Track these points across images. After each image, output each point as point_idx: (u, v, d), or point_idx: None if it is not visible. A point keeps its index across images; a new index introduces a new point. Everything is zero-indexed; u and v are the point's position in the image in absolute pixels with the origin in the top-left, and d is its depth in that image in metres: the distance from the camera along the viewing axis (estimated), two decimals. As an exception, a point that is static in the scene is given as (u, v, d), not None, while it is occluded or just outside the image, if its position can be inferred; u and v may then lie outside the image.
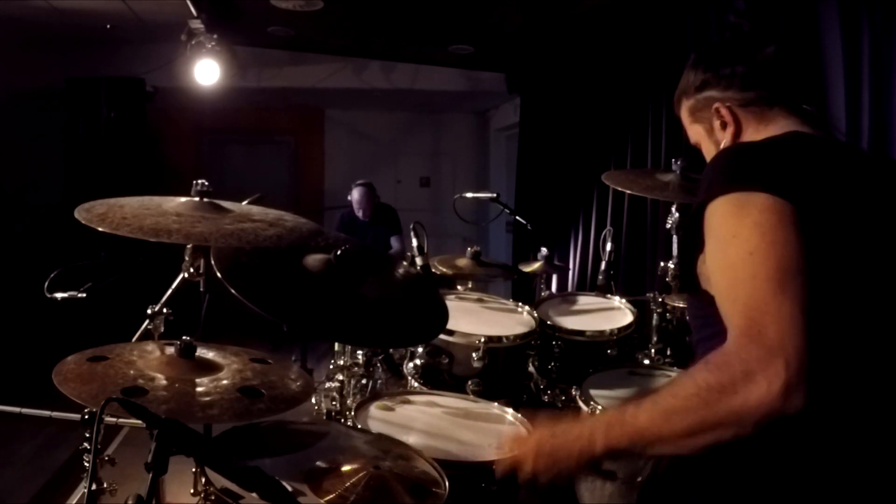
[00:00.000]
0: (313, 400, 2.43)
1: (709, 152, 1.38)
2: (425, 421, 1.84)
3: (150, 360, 1.50)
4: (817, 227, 1.04)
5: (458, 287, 2.97)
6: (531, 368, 2.46)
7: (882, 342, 1.10)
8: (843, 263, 1.08)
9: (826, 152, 1.21)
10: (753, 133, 1.29)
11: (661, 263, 2.55)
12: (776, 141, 1.22)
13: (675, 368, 2.34)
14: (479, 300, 2.67)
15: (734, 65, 1.31)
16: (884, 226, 1.14)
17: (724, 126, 1.32)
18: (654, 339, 2.55)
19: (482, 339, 2.17)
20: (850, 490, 1.06)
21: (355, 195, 5.52)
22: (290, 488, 1.17)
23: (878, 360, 1.09)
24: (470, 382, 2.16)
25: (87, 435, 1.56)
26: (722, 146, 1.33)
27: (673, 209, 2.48)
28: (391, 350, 2.42)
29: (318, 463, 1.41)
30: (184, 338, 1.51)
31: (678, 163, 2.43)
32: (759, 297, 0.98)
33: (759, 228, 1.02)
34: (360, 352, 2.45)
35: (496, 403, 1.98)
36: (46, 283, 2.08)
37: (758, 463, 1.09)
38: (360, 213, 5.53)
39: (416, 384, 2.18)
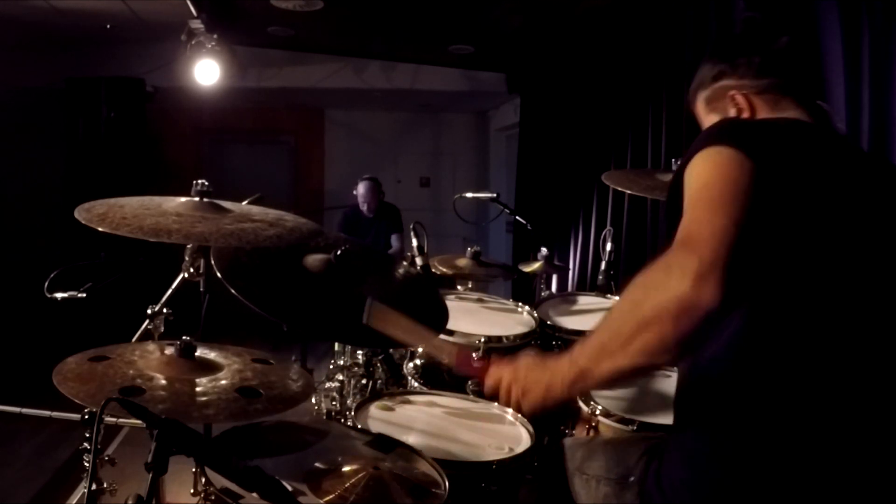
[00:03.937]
0: (313, 400, 2.43)
1: None
2: (425, 421, 1.84)
3: (150, 360, 1.50)
4: (778, 193, 1.09)
5: (458, 287, 2.97)
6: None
7: (837, 310, 1.11)
8: (806, 238, 1.11)
9: (814, 138, 1.25)
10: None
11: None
12: (766, 120, 1.28)
13: (675, 368, 2.34)
14: (479, 300, 2.67)
15: (750, 54, 1.35)
16: (858, 213, 1.16)
17: (739, 113, 1.35)
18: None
19: (482, 339, 2.18)
20: (827, 455, 1.08)
21: (361, 189, 5.53)
22: (290, 488, 1.17)
23: (838, 325, 1.11)
24: (470, 382, 2.15)
25: (87, 435, 1.57)
26: None
27: (673, 209, 2.48)
28: (391, 350, 2.42)
29: (318, 463, 1.41)
30: (184, 338, 1.51)
31: (678, 163, 2.43)
32: (698, 216, 1.08)
33: (718, 168, 1.12)
34: (360, 352, 2.46)
35: (496, 403, 1.98)
36: (46, 283, 2.08)
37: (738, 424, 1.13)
38: (364, 208, 5.53)
39: (416, 384, 2.18)
